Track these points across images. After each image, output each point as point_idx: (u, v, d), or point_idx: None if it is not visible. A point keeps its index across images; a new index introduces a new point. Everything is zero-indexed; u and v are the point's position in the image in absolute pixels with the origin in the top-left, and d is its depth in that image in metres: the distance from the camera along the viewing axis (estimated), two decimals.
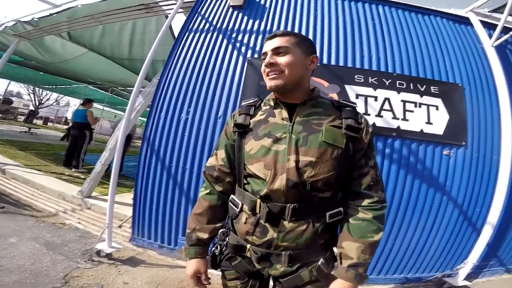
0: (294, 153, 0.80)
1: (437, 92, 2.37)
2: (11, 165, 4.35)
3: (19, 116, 19.02)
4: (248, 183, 0.86)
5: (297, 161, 0.79)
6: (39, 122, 20.31)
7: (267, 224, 0.81)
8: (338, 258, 0.80)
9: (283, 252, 0.80)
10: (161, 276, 2.08)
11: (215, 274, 2.27)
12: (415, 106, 2.32)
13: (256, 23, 2.65)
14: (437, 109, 2.34)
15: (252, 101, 0.96)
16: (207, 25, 2.70)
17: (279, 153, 0.80)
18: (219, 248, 0.90)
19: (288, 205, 0.79)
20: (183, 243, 2.33)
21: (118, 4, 3.35)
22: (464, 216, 2.35)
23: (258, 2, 2.78)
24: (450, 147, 2.33)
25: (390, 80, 2.36)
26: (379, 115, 2.28)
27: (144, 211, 2.45)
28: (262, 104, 0.94)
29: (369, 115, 2.28)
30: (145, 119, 2.68)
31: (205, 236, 0.91)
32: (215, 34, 2.64)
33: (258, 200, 0.81)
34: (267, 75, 0.83)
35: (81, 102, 5.71)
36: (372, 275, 2.31)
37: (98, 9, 3.51)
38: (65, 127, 13.42)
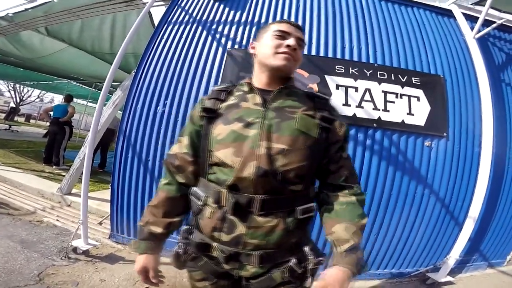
0: (266, 139, 0.77)
1: (419, 83, 2.43)
2: None
3: None
4: (214, 172, 0.80)
5: (268, 148, 0.76)
6: (21, 119, 20.09)
7: (234, 218, 0.76)
8: (332, 245, 0.77)
9: (253, 252, 0.76)
10: None
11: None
12: (396, 97, 2.39)
13: (238, 14, 2.69)
14: (418, 100, 2.41)
15: (224, 86, 0.92)
16: (187, 17, 2.72)
17: (250, 138, 0.77)
18: (182, 247, 0.84)
19: (256, 196, 0.75)
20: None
21: None
22: (446, 209, 2.41)
23: None
24: (432, 138, 2.40)
25: (371, 71, 2.42)
26: (359, 106, 2.34)
27: (122, 207, 2.48)
28: (234, 90, 0.90)
29: (349, 106, 2.34)
30: None
31: (158, 230, 0.86)
32: (194, 25, 2.67)
33: (224, 191, 0.77)
34: (283, 53, 0.82)
35: (64, 98, 5.70)
36: None
37: (76, 3, 3.49)
38: (48, 124, 13.29)
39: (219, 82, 2.45)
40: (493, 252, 2.66)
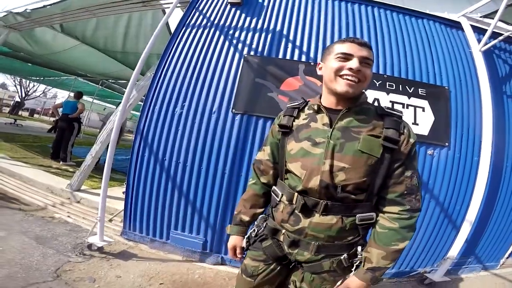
0: (329, 157, 0.84)
1: (424, 94, 2.43)
2: None
3: (4, 108, 18.25)
4: (287, 178, 0.94)
5: (331, 166, 0.84)
6: (25, 113, 19.61)
7: (300, 214, 0.88)
8: (362, 259, 0.85)
9: (312, 242, 0.87)
10: (153, 269, 2.08)
11: (222, 270, 2.28)
12: (403, 107, 2.38)
13: (254, 20, 2.64)
14: (423, 110, 2.40)
15: (297, 103, 1.01)
16: (205, 21, 2.67)
17: (316, 156, 0.86)
18: (256, 230, 1.01)
19: (321, 201, 0.85)
20: (175, 237, 2.36)
21: None
22: (445, 213, 2.42)
23: (256, 0, 2.76)
24: (434, 147, 2.40)
25: (380, 81, 2.41)
26: None
27: (136, 204, 2.42)
28: (306, 107, 0.98)
29: None
30: (136, 113, 2.64)
31: (246, 218, 1.06)
32: (212, 30, 2.62)
33: (296, 193, 0.89)
34: (345, 78, 0.82)
35: (74, 95, 5.53)
36: None
37: (94, 1, 3.40)
38: (52, 119, 12.96)
39: (235, 87, 2.41)
40: (487, 255, 2.67)
